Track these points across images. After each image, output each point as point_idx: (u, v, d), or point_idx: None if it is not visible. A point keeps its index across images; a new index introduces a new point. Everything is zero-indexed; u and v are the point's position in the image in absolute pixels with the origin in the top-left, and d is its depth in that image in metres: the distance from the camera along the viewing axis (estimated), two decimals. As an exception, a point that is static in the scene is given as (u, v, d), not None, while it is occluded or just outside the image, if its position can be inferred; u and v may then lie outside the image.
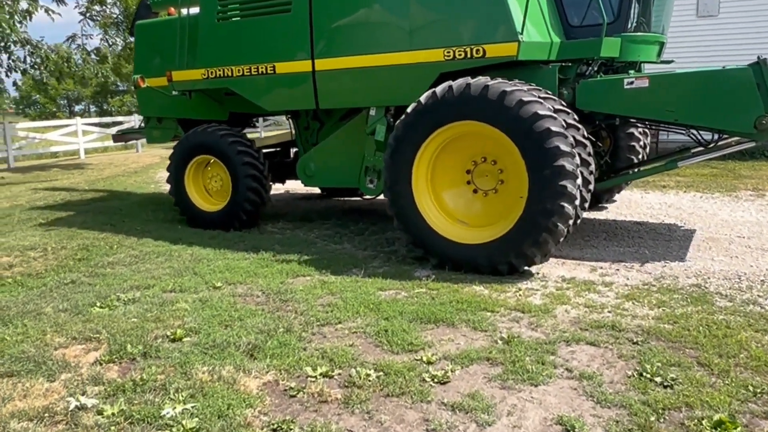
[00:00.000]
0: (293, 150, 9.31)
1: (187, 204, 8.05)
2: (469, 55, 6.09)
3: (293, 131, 8.50)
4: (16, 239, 7.39)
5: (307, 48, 7.01)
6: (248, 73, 7.45)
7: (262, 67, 7.35)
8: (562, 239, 5.40)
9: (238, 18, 7.58)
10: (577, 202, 5.29)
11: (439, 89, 5.72)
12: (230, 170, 7.66)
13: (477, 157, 5.87)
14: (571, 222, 5.32)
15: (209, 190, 8.15)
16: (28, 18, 15.17)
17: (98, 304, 4.97)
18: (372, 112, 6.92)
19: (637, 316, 4.47)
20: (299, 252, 6.49)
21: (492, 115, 5.43)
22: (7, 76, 16.56)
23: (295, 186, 8.86)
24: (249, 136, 8.15)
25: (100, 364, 3.91)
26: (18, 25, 14.78)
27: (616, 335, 4.15)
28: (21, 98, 62.05)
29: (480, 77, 5.69)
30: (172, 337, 4.27)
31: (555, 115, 5.32)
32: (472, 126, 5.60)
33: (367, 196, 7.93)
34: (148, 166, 15.80)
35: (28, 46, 15.43)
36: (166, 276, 5.72)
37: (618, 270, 5.64)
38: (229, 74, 7.58)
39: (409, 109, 5.89)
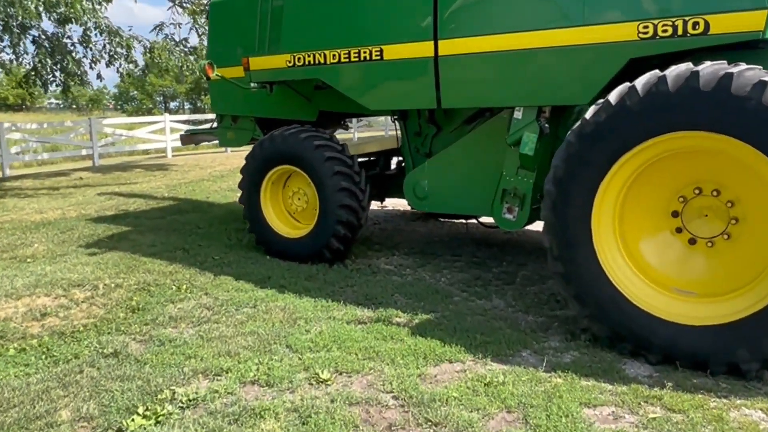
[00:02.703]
0: (396, 159, 7.15)
1: (264, 228, 6.01)
2: (679, 32, 3.82)
3: (399, 136, 6.33)
4: (65, 269, 5.58)
5: (429, 24, 4.83)
6: (345, 60, 5.32)
7: (364, 52, 5.20)
8: None
9: None
10: None
11: (613, 95, 3.52)
12: (317, 184, 5.58)
13: (686, 189, 3.58)
14: None
15: (290, 210, 6.12)
16: (107, 1, 13.50)
17: (140, 410, 3.02)
18: (517, 115, 4.65)
19: None
20: (432, 310, 4.35)
21: (710, 116, 3.21)
22: (91, 68, 15.01)
23: (403, 202, 6.70)
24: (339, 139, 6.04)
25: None
26: (100, 6, 13.18)
27: None
28: (120, 94, 62.53)
29: (675, 66, 3.44)
30: None
31: None
32: (676, 140, 3.37)
33: (492, 221, 5.71)
34: (235, 169, 13.91)
35: (111, 36, 13.85)
36: (247, 351, 3.71)
37: None
38: (321, 61, 5.46)
39: (570, 135, 3.65)
